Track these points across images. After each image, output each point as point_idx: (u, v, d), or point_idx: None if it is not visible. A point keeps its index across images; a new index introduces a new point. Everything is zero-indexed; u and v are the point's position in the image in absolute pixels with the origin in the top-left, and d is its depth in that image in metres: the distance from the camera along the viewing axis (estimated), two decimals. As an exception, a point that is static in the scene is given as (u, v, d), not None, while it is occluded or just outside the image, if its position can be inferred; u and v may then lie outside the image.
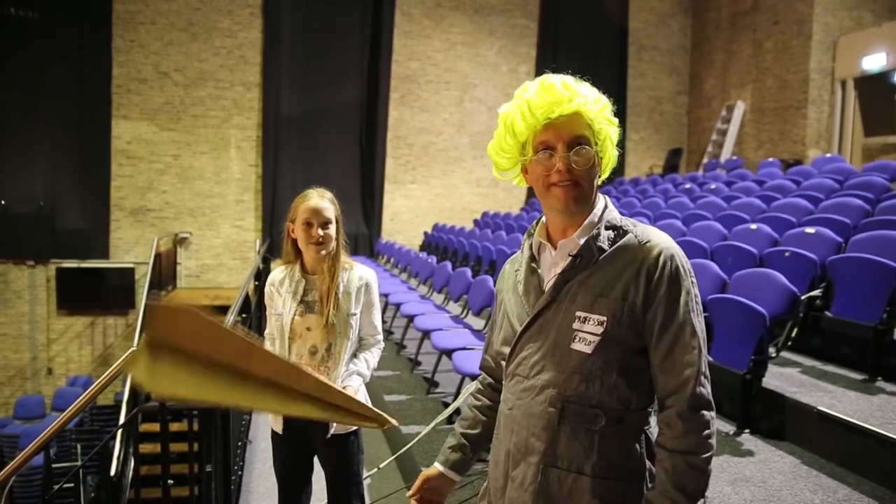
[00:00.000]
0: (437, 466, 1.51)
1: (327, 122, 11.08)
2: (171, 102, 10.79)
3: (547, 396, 1.27)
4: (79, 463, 7.32)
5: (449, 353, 4.11)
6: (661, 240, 1.28)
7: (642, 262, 1.25)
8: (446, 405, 4.24)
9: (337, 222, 2.24)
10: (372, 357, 2.32)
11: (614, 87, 12.17)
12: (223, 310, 9.06)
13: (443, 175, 11.86)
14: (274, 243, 10.71)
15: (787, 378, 3.53)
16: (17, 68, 10.07)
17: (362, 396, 2.26)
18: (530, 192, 12.08)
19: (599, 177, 1.33)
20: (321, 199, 2.22)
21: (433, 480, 1.50)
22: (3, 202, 10.12)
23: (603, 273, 1.26)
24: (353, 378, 2.22)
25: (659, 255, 1.25)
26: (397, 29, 11.42)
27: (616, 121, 1.33)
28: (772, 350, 3.35)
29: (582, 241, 1.29)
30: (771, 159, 9.39)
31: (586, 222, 1.30)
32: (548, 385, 1.27)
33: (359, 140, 11.31)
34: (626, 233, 1.30)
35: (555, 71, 1.31)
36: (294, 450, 2.35)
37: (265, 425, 4.60)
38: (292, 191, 11.02)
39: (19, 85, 10.11)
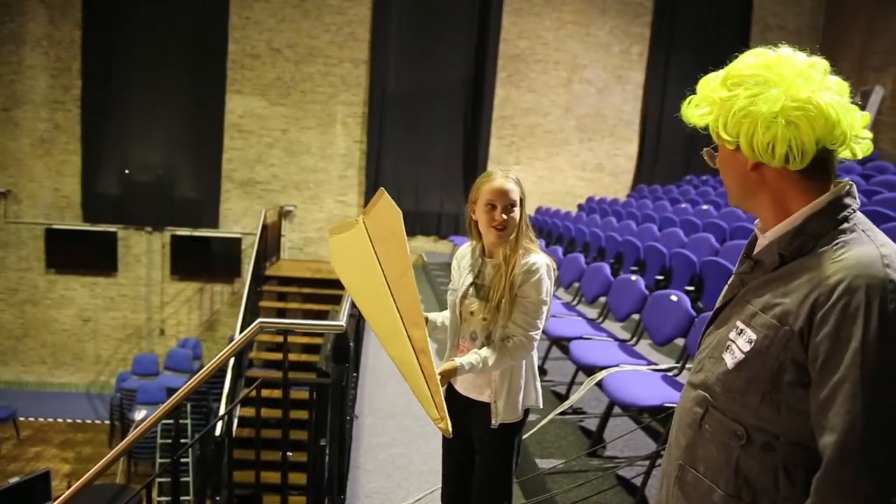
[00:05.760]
0: None
1: (433, 100, 11.02)
2: (282, 78, 11.03)
3: (697, 395, 1.19)
4: (188, 421, 7.69)
5: (564, 341, 3.93)
6: (855, 261, 1.01)
7: (817, 285, 1.02)
8: (555, 394, 4.08)
9: (521, 204, 2.07)
10: (500, 351, 2.00)
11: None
12: (325, 283, 9.27)
13: (547, 157, 11.55)
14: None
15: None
16: (140, 47, 10.58)
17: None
18: (637, 179, 11.60)
19: (782, 166, 1.08)
20: (506, 180, 2.05)
21: None
22: (127, 171, 10.71)
23: (775, 285, 1.09)
24: (464, 357, 1.99)
25: (839, 282, 0.99)
26: (507, 6, 11.14)
27: (734, 94, 1.10)
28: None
29: (765, 244, 1.15)
30: (914, 151, 8.53)
31: (784, 221, 1.11)
32: (700, 385, 1.19)
33: (463, 119, 11.17)
34: (827, 243, 1.05)
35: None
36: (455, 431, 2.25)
37: (370, 401, 4.61)
38: (395, 168, 11.21)
39: (142, 62, 10.61)
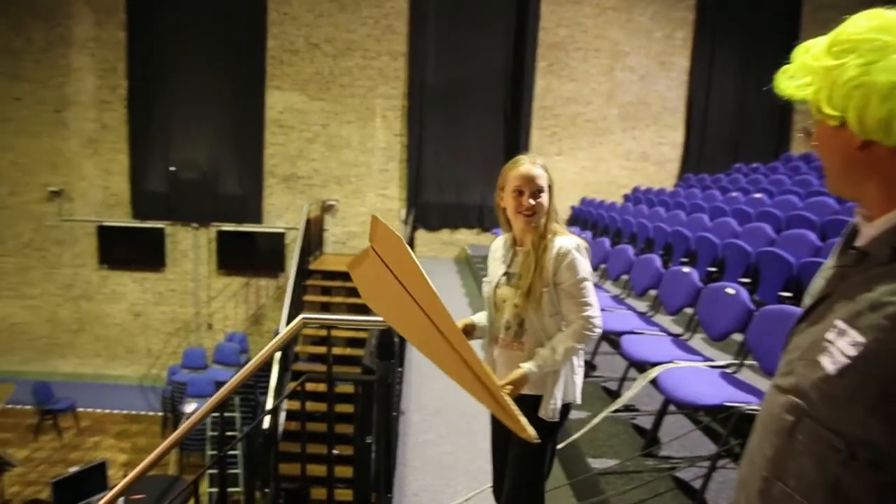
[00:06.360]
0: None
1: (472, 91, 10.93)
2: (321, 73, 11.08)
3: (788, 401, 1.05)
4: (237, 414, 7.81)
5: (614, 335, 3.83)
6: None
7: None
8: (606, 391, 3.99)
9: (549, 190, 2.06)
10: (562, 341, 2.02)
11: (784, 57, 10.97)
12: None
13: (590, 147, 11.35)
14: (420, 213, 10.79)
15: None
16: (182, 46, 10.76)
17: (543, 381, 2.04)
18: (683, 167, 11.31)
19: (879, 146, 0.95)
20: (533, 166, 2.05)
21: None
22: (173, 168, 10.92)
23: (886, 282, 0.95)
24: (531, 361, 1.99)
25: None
26: (545, -6, 10.97)
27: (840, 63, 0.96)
28: None
29: (875, 234, 1.00)
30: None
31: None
32: (791, 390, 1.05)
33: (503, 110, 11.05)
34: None
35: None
36: (498, 425, 2.22)
37: (416, 396, 4.58)
38: (436, 161, 11.14)
39: (184, 61, 10.80)
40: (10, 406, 9.76)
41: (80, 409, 10.29)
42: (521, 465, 2.13)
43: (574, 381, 2.11)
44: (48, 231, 11.20)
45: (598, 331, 2.03)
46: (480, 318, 2.23)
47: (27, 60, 10.85)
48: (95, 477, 6.90)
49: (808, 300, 1.12)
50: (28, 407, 10.04)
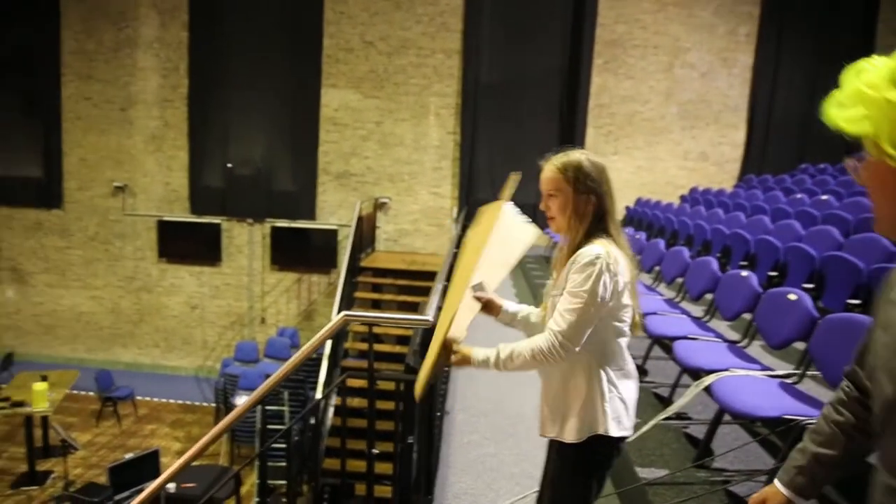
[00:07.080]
0: (780, 489, 1.26)
1: (527, 89, 10.80)
2: (375, 71, 11.14)
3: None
4: (286, 408, 7.92)
5: (667, 340, 3.68)
6: None
7: None
8: (657, 396, 3.84)
9: (577, 192, 1.83)
10: (518, 344, 1.76)
11: (858, 52, 10.40)
12: (419, 275, 9.29)
13: (647, 147, 11.06)
14: (472, 211, 10.73)
15: None
16: (241, 45, 11.00)
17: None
18: (744, 168, 10.90)
19: None
20: (547, 167, 1.88)
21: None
22: (229, 165, 11.17)
23: None
24: (490, 348, 1.80)
25: None
26: (604, -11, 10.74)
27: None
28: None
29: None
30: None
31: None
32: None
33: (559, 108, 10.88)
34: None
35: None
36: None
37: (462, 397, 4.52)
38: (489, 159, 11.03)
39: (243, 60, 11.04)
40: (74, 392, 10.16)
41: (139, 398, 10.64)
42: (555, 492, 1.96)
43: (604, 409, 1.77)
44: (112, 225, 11.63)
45: (559, 353, 1.71)
46: (519, 307, 2.09)
47: (98, 61, 11.29)
48: (149, 464, 7.11)
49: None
50: (91, 393, 10.44)
